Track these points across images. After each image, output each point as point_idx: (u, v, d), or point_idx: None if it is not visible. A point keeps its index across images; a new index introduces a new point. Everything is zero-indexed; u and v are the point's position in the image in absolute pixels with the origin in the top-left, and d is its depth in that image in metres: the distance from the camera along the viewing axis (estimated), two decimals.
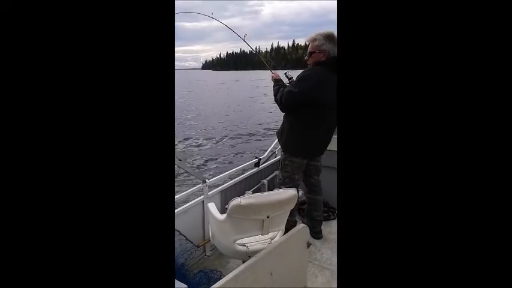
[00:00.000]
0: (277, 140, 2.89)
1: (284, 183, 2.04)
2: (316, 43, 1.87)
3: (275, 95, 2.01)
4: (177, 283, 1.24)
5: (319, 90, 1.82)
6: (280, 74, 2.15)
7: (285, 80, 2.09)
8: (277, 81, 2.07)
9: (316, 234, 2.19)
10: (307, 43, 1.94)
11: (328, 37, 1.84)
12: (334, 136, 2.12)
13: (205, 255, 2.07)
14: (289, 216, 1.92)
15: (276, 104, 2.02)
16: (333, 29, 1.85)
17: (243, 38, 2.36)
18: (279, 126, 2.12)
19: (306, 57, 1.97)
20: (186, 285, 1.23)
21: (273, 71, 2.17)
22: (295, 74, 2.07)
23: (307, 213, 2.25)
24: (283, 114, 2.05)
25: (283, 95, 1.90)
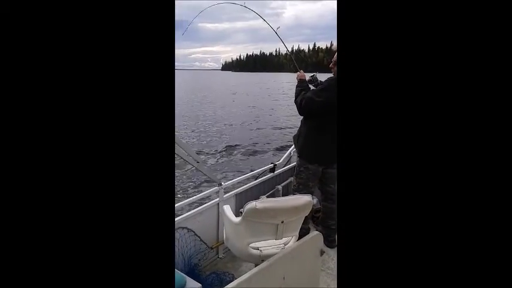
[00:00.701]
0: (293, 145, 2.91)
1: (298, 190, 2.03)
2: None
3: (296, 97, 1.99)
4: (192, 282, 1.27)
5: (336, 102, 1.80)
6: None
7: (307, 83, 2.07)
8: (301, 82, 2.05)
9: (331, 243, 2.16)
10: (334, 49, 1.94)
11: None
12: None
13: (218, 257, 2.09)
14: (302, 223, 1.92)
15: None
16: None
17: (275, 30, 2.36)
18: (296, 131, 2.12)
19: (331, 65, 1.95)
20: (200, 284, 1.25)
21: (300, 71, 2.15)
22: (323, 77, 2.06)
23: (322, 221, 2.23)
24: (301, 117, 2.05)
25: (304, 100, 1.90)
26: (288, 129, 10.02)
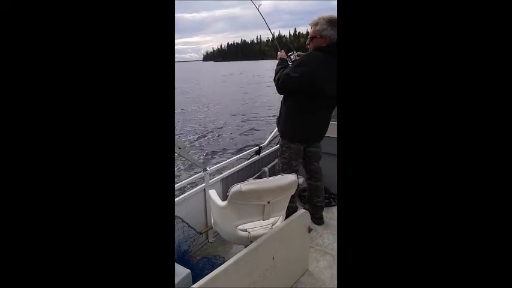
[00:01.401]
0: (276, 129, 2.91)
1: (283, 170, 2.04)
2: (318, 27, 1.83)
3: (275, 75, 1.96)
4: (180, 268, 1.27)
5: (317, 76, 1.80)
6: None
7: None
8: (282, 61, 2.02)
9: (318, 220, 2.20)
10: (310, 26, 1.91)
11: (330, 22, 1.80)
12: (334, 122, 2.12)
13: (208, 241, 2.09)
14: (290, 202, 1.93)
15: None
16: (334, 14, 1.82)
17: (257, 7, 2.33)
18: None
19: (307, 42, 1.94)
20: (189, 270, 1.25)
21: (281, 50, 2.11)
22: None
23: (308, 199, 2.26)
24: (280, 100, 2.03)
25: (281, 77, 1.88)
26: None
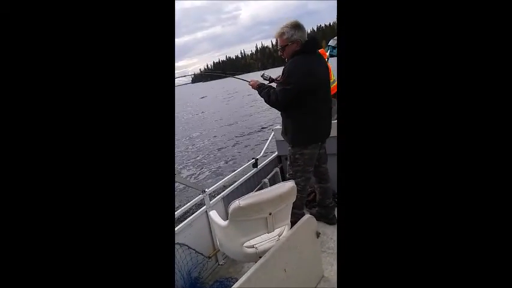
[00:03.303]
0: (271, 137, 2.89)
1: (296, 178, 1.99)
2: (285, 36, 1.86)
3: (267, 99, 1.97)
4: None
5: (309, 77, 1.82)
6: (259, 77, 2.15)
7: (263, 81, 2.08)
8: (260, 87, 2.04)
9: (331, 220, 2.18)
10: (277, 39, 1.93)
11: (294, 26, 1.84)
12: (334, 122, 2.12)
13: (219, 264, 2.04)
14: (296, 209, 1.90)
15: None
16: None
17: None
18: (281, 126, 2.10)
19: (279, 53, 1.96)
20: None
21: (249, 81, 2.14)
22: (271, 73, 2.10)
23: (320, 202, 2.23)
24: (280, 113, 2.03)
25: (278, 95, 1.88)
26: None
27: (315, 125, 1.97)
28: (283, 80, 1.89)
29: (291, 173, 2.05)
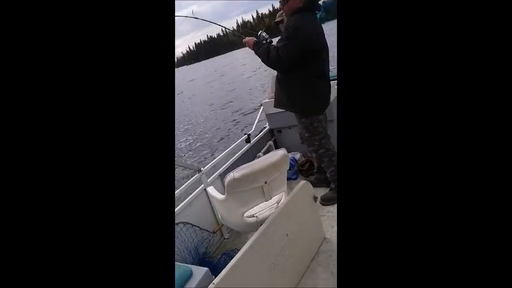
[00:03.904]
0: (260, 111, 2.83)
1: (322, 146, 1.93)
2: None
3: (266, 57, 1.77)
4: (198, 269, 1.27)
5: (316, 36, 1.75)
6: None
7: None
8: (258, 43, 1.84)
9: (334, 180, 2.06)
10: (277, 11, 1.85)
11: None
12: None
13: (224, 238, 2.10)
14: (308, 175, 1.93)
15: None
16: None
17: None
18: (277, 100, 1.94)
19: (279, 12, 1.88)
20: (206, 268, 1.26)
21: (245, 37, 1.93)
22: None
23: (318, 168, 2.21)
24: (278, 83, 1.88)
25: (280, 51, 1.72)
26: None
27: (325, 91, 1.88)
28: (287, 35, 1.73)
29: (316, 143, 1.94)
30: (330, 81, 1.95)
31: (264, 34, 1.91)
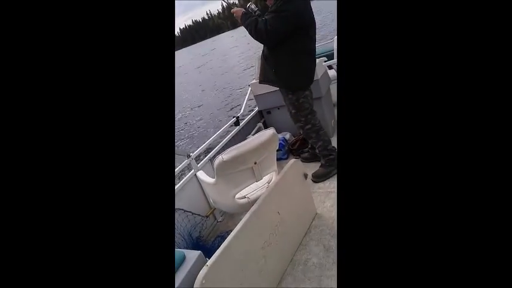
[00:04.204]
0: (248, 92, 2.81)
1: (309, 122, 1.93)
2: None
3: (253, 29, 1.70)
4: (191, 252, 1.27)
5: (304, 10, 1.71)
6: None
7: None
8: (246, 15, 1.77)
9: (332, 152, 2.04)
10: None
11: None
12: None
13: (217, 221, 2.11)
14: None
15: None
16: None
17: None
18: (263, 75, 1.91)
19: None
20: (199, 251, 1.26)
21: (233, 7, 1.86)
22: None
23: (314, 144, 2.14)
24: (264, 58, 1.85)
25: (268, 24, 1.66)
26: None
27: (311, 66, 1.88)
28: (276, 8, 1.67)
29: (303, 119, 1.94)
30: (316, 58, 1.95)
31: (252, 6, 1.85)
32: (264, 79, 1.95)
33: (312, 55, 1.87)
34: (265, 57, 1.88)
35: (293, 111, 1.96)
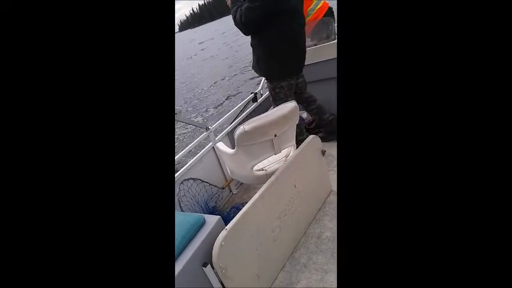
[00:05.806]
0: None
1: None
2: None
3: (233, 18, 1.73)
4: (211, 217, 1.32)
5: None
6: None
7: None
8: (233, 3, 1.78)
9: (335, 133, 2.18)
10: None
11: None
12: (333, 42, 2.06)
13: (233, 194, 2.16)
14: (299, 136, 1.94)
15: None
16: None
17: None
18: (252, 63, 1.93)
19: None
20: (219, 216, 1.30)
21: None
22: None
23: (319, 121, 2.23)
24: (251, 46, 1.86)
25: (241, 14, 1.68)
26: None
27: (292, 55, 1.84)
28: None
29: (275, 107, 1.99)
30: (301, 47, 1.87)
31: None
32: (252, 67, 1.99)
33: (294, 43, 1.81)
34: (251, 45, 1.88)
35: (271, 98, 2.00)
